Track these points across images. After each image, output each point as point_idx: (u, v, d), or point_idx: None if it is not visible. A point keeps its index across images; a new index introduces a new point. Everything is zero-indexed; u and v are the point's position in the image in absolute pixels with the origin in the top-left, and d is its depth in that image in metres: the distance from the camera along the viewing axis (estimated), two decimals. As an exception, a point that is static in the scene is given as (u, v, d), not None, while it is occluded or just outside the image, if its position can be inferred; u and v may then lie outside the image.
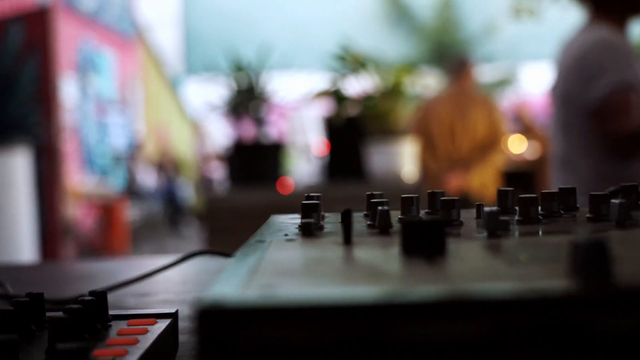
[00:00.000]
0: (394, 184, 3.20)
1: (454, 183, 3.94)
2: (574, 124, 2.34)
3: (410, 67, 3.46)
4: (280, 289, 0.28)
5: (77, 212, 5.69)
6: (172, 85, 9.66)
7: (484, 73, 10.18)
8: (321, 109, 3.70)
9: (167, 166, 8.13)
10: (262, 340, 0.25)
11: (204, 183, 7.49)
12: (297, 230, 0.45)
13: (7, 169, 3.93)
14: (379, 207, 0.45)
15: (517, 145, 5.52)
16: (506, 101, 8.59)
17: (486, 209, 0.40)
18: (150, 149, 8.28)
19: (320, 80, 3.40)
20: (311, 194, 0.51)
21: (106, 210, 6.13)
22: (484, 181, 4.04)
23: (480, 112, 4.09)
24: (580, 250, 0.27)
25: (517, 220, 0.45)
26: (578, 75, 2.28)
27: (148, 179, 7.65)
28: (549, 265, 0.31)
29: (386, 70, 3.36)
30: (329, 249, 0.37)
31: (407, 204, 0.48)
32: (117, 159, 7.14)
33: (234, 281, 0.30)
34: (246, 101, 3.29)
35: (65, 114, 5.68)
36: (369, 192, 0.55)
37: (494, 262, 0.32)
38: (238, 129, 3.41)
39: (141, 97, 8.35)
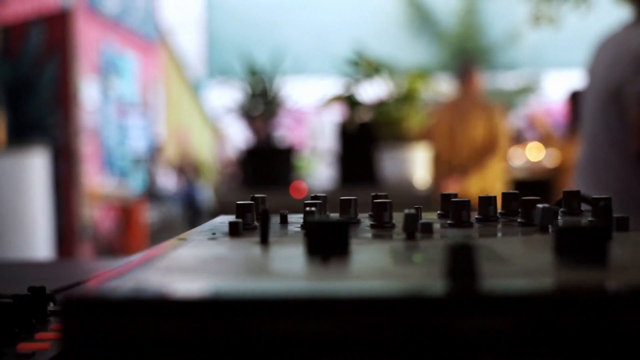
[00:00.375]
0: (406, 189, 3.20)
1: (452, 189, 3.93)
2: (615, 122, 2.29)
3: (424, 73, 3.45)
4: (153, 284, 0.29)
5: (96, 214, 5.74)
6: (194, 89, 9.72)
7: (507, 80, 10.14)
8: (336, 114, 3.71)
9: (187, 169, 8.17)
10: (122, 331, 0.26)
11: (223, 186, 7.52)
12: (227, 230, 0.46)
13: (25, 170, 3.98)
14: (307, 209, 0.45)
15: (535, 153, 5.48)
16: (529, 109, 8.56)
17: (406, 211, 0.40)
18: (171, 151, 8.33)
19: (334, 85, 3.41)
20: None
21: (125, 212, 6.18)
22: (484, 187, 4.03)
23: (480, 118, 4.10)
24: (450, 254, 0.28)
25: (448, 223, 0.45)
26: (633, 67, 2.25)
27: (168, 181, 7.69)
28: (432, 268, 0.32)
29: (400, 76, 3.36)
30: (240, 248, 0.38)
31: (346, 206, 0.48)
32: (137, 161, 7.19)
33: (115, 275, 0.30)
34: (259, 105, 3.31)
35: (86, 116, 5.73)
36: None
37: (384, 263, 0.33)
38: (251, 133, 3.42)
39: (162, 100, 8.41)
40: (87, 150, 5.77)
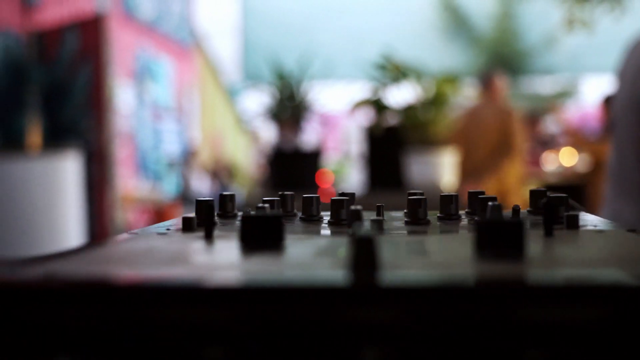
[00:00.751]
0: (433, 193, 3.18)
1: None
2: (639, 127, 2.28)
3: (452, 77, 3.43)
4: (63, 272, 0.29)
5: (129, 216, 5.81)
6: (229, 94, 9.78)
7: (544, 85, 10.04)
8: (364, 119, 3.71)
9: (221, 173, 8.23)
10: (23, 314, 0.26)
11: (253, 189, 7.55)
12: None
13: (58, 173, 4.04)
14: (258, 205, 0.46)
15: (568, 158, 5.43)
16: (566, 113, 8.46)
17: (352, 207, 0.41)
18: (205, 155, 8.39)
19: (362, 90, 3.41)
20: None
21: (159, 215, 6.24)
22: (502, 189, 4.00)
23: (496, 122, 4.07)
24: (352, 246, 0.28)
25: (405, 221, 0.45)
26: None
27: (201, 185, 7.75)
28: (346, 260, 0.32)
29: (428, 80, 3.35)
30: (179, 242, 0.38)
31: (284, 202, 0.49)
32: (171, 165, 7.26)
33: (37, 262, 0.31)
34: (287, 109, 3.33)
35: (121, 120, 5.81)
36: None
37: (304, 256, 0.33)
38: (279, 136, 3.44)
39: (197, 105, 8.48)
40: (122, 153, 5.85)
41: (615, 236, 0.41)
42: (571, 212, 0.46)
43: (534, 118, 6.34)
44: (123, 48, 6.13)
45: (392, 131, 3.33)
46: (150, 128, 6.89)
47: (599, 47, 8.34)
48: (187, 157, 7.65)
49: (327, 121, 9.91)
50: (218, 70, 9.38)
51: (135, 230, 0.45)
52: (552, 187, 4.67)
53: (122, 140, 5.99)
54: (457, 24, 10.46)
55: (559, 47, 9.45)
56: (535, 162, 5.43)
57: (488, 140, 4.06)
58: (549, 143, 5.89)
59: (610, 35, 4.81)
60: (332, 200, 0.48)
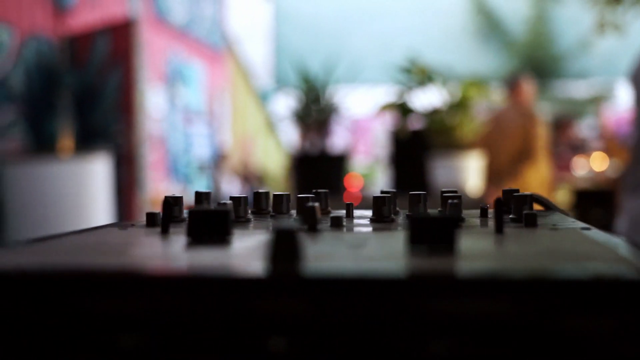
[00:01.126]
0: (458, 198, 3.17)
1: (490, 199, 3.86)
2: None
3: (479, 81, 3.41)
4: (6, 262, 0.30)
5: (160, 219, 5.85)
6: (261, 98, 9.82)
7: (579, 89, 9.94)
8: (390, 122, 3.71)
9: (251, 177, 8.26)
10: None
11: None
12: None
13: (88, 176, 4.10)
14: (219, 202, 0.46)
15: (599, 163, 5.37)
16: (601, 118, 8.37)
17: (308, 204, 0.41)
18: (236, 159, 8.44)
19: (388, 93, 3.41)
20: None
21: (189, 218, 6.27)
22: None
23: (518, 126, 4.04)
24: (273, 238, 0.28)
25: (370, 218, 0.46)
26: None
27: (232, 188, 7.79)
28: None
29: (454, 84, 3.34)
30: (135, 236, 0.39)
31: (236, 205, 0.50)
32: (201, 168, 7.31)
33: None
34: (312, 112, 3.33)
35: (152, 123, 5.86)
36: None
37: (244, 249, 0.33)
38: (304, 140, 3.45)
39: (228, 109, 8.53)
40: (153, 157, 5.90)
41: (565, 234, 0.41)
42: (530, 211, 0.46)
43: (566, 122, 6.28)
44: (155, 52, 6.19)
45: (417, 135, 3.32)
46: (181, 132, 6.95)
47: (633, 51, 8.26)
48: (218, 160, 7.70)
49: (357, 125, 9.92)
50: (249, 74, 9.43)
51: (107, 224, 0.46)
52: (581, 192, 4.62)
53: (153, 144, 6.04)
54: (490, 27, 10.40)
55: (593, 51, 9.34)
56: (566, 166, 5.37)
57: (510, 145, 4.03)
58: (580, 148, 5.83)
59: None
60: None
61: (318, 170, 3.28)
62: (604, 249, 0.35)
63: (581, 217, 2.55)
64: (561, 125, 6.05)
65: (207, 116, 7.73)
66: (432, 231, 0.33)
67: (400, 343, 0.27)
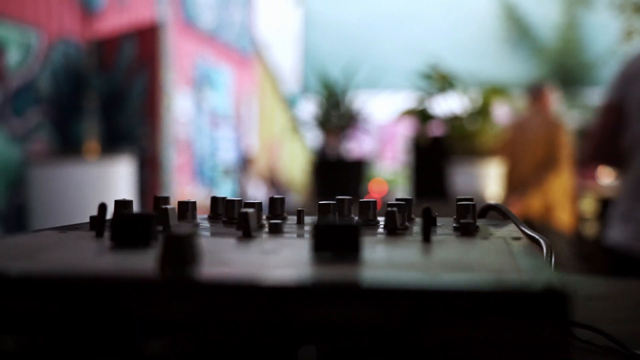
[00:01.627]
0: (477, 205, 3.16)
1: (513, 206, 3.81)
2: None
3: (500, 88, 3.40)
4: None
5: (185, 222, 5.89)
6: (289, 103, 9.85)
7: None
8: (411, 128, 3.70)
9: (277, 181, 8.29)
10: None
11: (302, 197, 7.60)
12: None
13: (112, 178, 4.15)
14: (161, 208, 0.47)
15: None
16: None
17: (242, 210, 0.42)
18: (262, 164, 8.47)
19: (409, 99, 3.41)
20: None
21: (214, 222, 6.31)
22: (548, 203, 3.91)
23: (542, 135, 3.99)
24: (163, 243, 0.29)
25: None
26: None
27: (258, 192, 7.82)
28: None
29: (475, 91, 3.33)
30: (66, 239, 0.40)
31: (183, 209, 0.51)
32: (226, 172, 7.36)
33: None
34: (333, 118, 3.34)
35: (179, 127, 5.91)
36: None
37: (154, 253, 0.34)
38: (325, 145, 3.46)
39: (256, 113, 8.57)
40: (179, 160, 5.95)
41: (487, 244, 0.41)
42: (466, 221, 0.46)
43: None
44: (183, 56, 6.24)
45: (437, 141, 3.32)
46: (207, 135, 6.99)
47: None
48: (244, 164, 7.74)
49: (384, 131, 9.90)
50: (277, 79, 9.46)
51: (62, 227, 0.47)
52: (606, 201, 4.57)
53: (180, 147, 6.09)
54: (520, 34, 10.33)
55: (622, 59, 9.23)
56: (591, 175, 5.32)
57: (534, 153, 3.99)
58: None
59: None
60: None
61: (337, 176, 3.28)
62: (508, 261, 0.35)
63: (605, 226, 2.52)
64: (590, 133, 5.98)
65: (234, 120, 7.77)
66: (336, 239, 0.33)
67: (269, 348, 0.28)
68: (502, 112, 3.69)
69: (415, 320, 0.28)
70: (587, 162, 2.58)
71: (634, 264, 2.12)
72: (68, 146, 4.63)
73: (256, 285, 0.28)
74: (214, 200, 0.60)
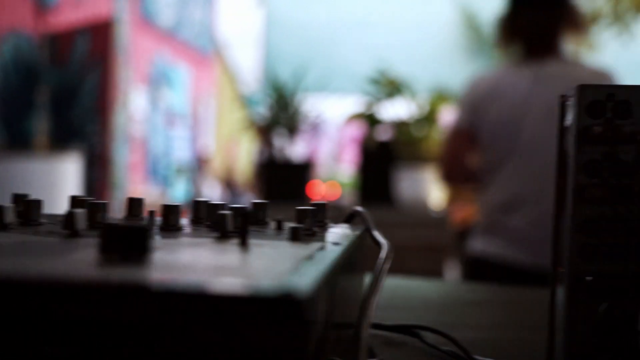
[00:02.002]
0: (421, 210, 3.18)
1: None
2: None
3: (447, 95, 3.43)
4: None
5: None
6: (247, 104, 9.84)
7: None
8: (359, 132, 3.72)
9: (233, 182, 8.27)
10: None
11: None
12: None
13: (59, 174, 4.11)
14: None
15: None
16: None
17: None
18: (218, 164, 8.44)
19: (357, 103, 3.42)
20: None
21: (166, 221, 6.27)
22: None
23: None
24: None
25: (161, 227, 0.47)
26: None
27: (213, 193, 7.80)
28: None
29: (422, 97, 3.36)
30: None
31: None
32: (180, 171, 7.32)
33: None
34: (281, 120, 3.34)
35: (133, 125, 5.87)
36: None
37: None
38: (266, 147, 3.45)
39: (213, 113, 8.54)
40: (133, 158, 5.90)
41: (299, 249, 0.42)
42: (295, 225, 0.46)
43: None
44: (139, 53, 6.20)
45: (385, 146, 3.33)
46: (162, 134, 6.95)
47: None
48: (199, 164, 7.70)
49: (344, 134, 9.93)
50: (237, 79, 9.45)
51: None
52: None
53: (134, 145, 6.05)
54: (479, 42, 10.45)
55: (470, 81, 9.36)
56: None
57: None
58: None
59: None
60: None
61: (282, 178, 3.29)
62: (287, 266, 0.35)
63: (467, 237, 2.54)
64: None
65: (190, 119, 7.74)
66: (123, 240, 0.34)
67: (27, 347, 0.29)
68: (449, 119, 3.72)
69: (159, 321, 0.29)
70: (442, 182, 2.60)
71: (499, 273, 2.12)
72: (17, 141, 4.58)
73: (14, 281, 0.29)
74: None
